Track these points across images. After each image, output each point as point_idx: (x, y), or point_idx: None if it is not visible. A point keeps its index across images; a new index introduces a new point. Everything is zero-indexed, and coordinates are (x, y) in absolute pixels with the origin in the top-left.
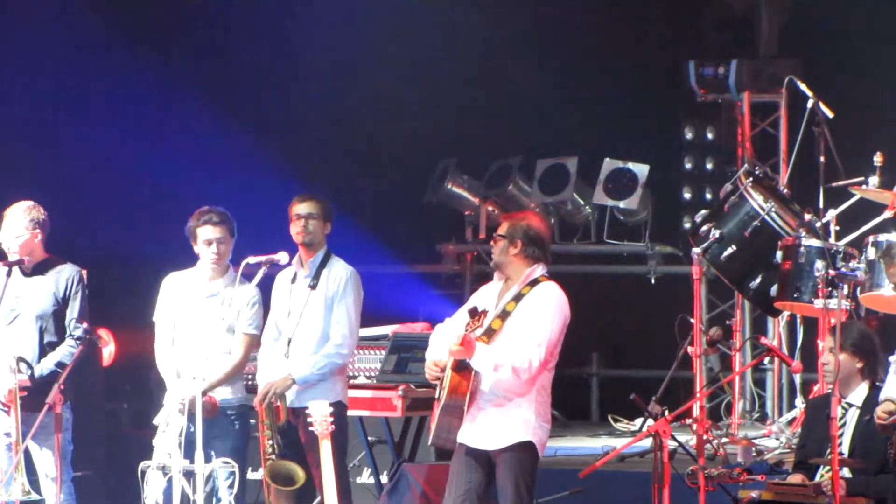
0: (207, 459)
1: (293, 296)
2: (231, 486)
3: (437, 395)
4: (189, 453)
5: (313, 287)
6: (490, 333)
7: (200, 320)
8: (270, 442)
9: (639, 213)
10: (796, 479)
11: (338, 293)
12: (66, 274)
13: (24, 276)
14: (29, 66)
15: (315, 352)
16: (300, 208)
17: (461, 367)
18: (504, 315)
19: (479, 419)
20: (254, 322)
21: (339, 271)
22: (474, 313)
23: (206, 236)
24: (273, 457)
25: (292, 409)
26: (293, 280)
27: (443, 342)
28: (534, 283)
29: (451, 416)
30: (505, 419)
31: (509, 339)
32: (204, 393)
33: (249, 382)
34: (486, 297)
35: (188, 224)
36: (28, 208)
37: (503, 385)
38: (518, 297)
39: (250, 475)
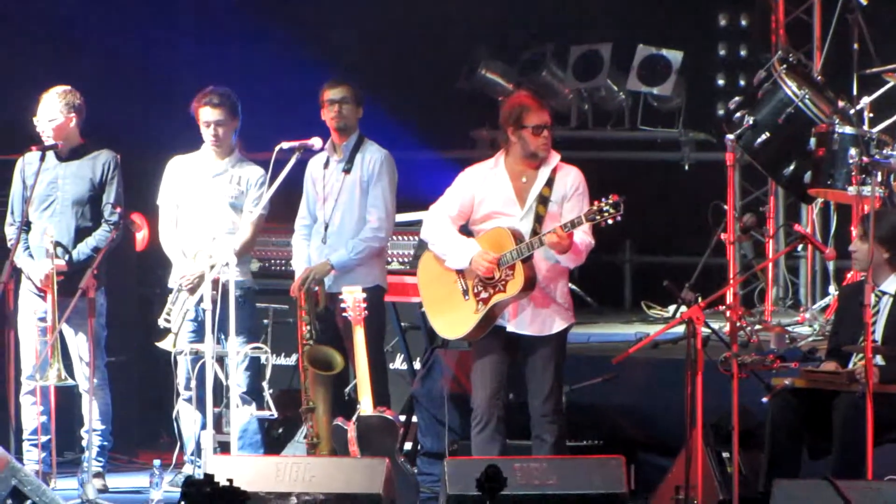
0: (217, 341)
1: (327, 181)
2: (248, 370)
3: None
4: (200, 336)
5: (347, 171)
6: (539, 220)
7: (206, 200)
8: (308, 328)
9: (672, 99)
10: (830, 366)
11: (373, 176)
12: (102, 159)
13: (59, 160)
14: None
15: (353, 236)
16: (333, 93)
17: (528, 259)
18: (544, 200)
19: (525, 306)
20: (261, 202)
21: (373, 154)
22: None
23: (205, 118)
24: (311, 342)
25: (330, 294)
26: (325, 165)
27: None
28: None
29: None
30: (549, 307)
31: (554, 221)
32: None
33: (284, 268)
34: (486, 184)
35: (192, 103)
36: (64, 93)
37: (571, 265)
38: (550, 182)
39: (281, 360)
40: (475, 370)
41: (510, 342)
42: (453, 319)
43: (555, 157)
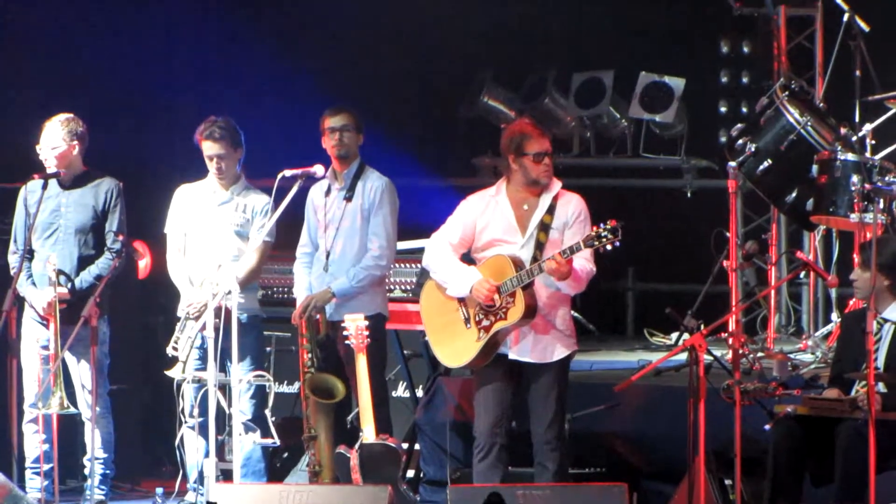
0: (222, 369)
1: (328, 209)
2: (253, 398)
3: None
4: (205, 364)
5: (349, 199)
6: (540, 247)
7: (212, 228)
8: (310, 355)
9: (675, 126)
10: (832, 393)
11: (374, 204)
12: (105, 187)
13: (62, 188)
14: None
15: (354, 264)
16: (333, 121)
17: (528, 286)
18: (545, 228)
19: (527, 333)
20: (268, 229)
21: (375, 182)
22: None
23: (208, 152)
24: (312, 370)
25: (331, 322)
26: (327, 193)
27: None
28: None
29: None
30: (550, 334)
31: (555, 248)
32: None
33: (286, 295)
34: (488, 212)
35: (195, 133)
36: (66, 120)
37: (571, 292)
38: (551, 209)
39: (283, 388)
40: (478, 398)
41: (512, 369)
42: (456, 348)
43: (556, 185)
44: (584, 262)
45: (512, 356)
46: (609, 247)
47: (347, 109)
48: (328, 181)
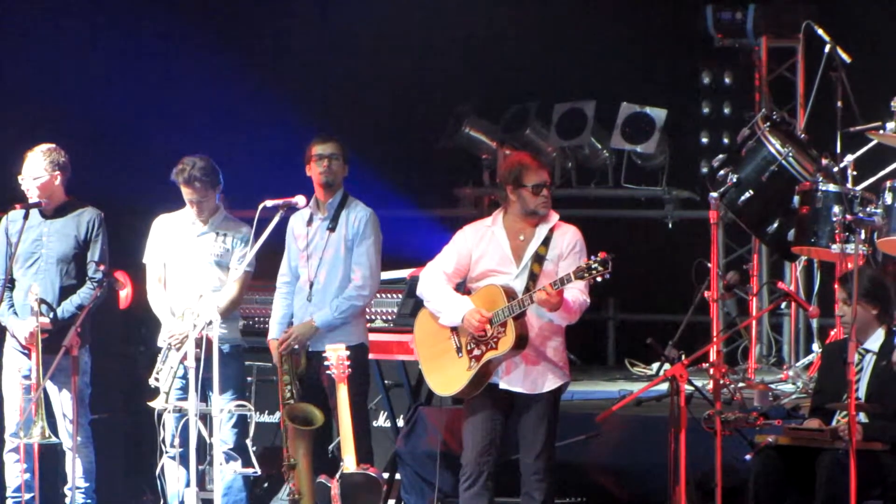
0: (203, 399)
1: (311, 238)
2: (235, 427)
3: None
4: (186, 393)
5: (332, 229)
6: (534, 278)
7: (192, 258)
8: (289, 388)
9: (656, 157)
10: (813, 423)
11: (358, 234)
12: (86, 217)
13: (44, 218)
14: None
15: (338, 294)
16: (322, 148)
17: (520, 316)
18: (539, 259)
19: (518, 363)
20: (248, 259)
21: (359, 213)
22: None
23: (188, 197)
24: (291, 401)
25: (314, 353)
26: (309, 223)
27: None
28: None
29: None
30: (541, 364)
31: (549, 279)
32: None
33: (267, 325)
34: (483, 242)
35: (172, 172)
36: (48, 150)
37: (563, 323)
38: (547, 241)
39: (264, 418)
40: (467, 426)
41: (503, 399)
42: (447, 377)
43: (554, 217)
44: (577, 294)
45: (503, 386)
46: (599, 279)
47: (335, 138)
48: (310, 210)
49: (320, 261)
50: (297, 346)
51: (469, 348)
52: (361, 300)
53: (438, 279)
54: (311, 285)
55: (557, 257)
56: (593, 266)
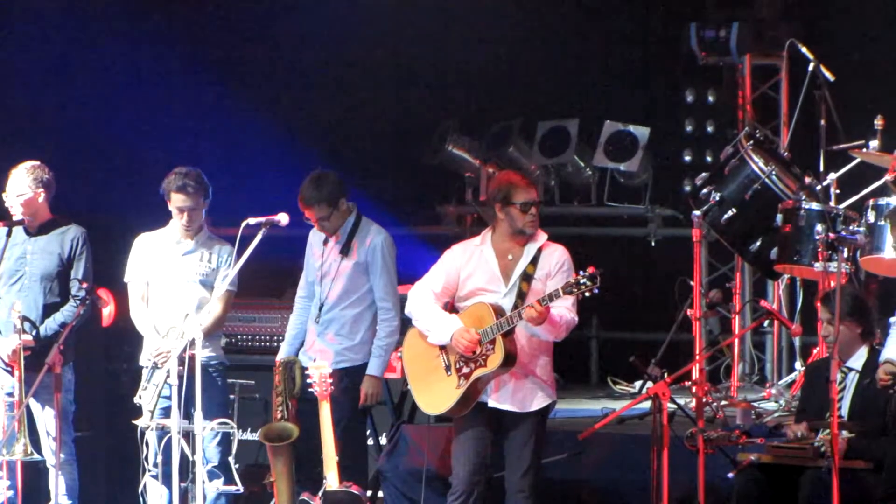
0: (187, 416)
1: (325, 258)
2: (219, 445)
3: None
4: (168, 412)
5: (344, 254)
6: (522, 297)
7: (177, 277)
8: (280, 408)
9: (639, 175)
10: (799, 427)
11: (374, 263)
12: (70, 234)
13: (28, 236)
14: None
15: (346, 319)
16: (309, 213)
17: (508, 333)
18: (527, 277)
19: (507, 381)
20: (231, 278)
21: (374, 237)
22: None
23: (178, 204)
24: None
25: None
26: (325, 242)
27: (445, 317)
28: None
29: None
30: (530, 383)
31: (537, 297)
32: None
33: (250, 343)
34: (472, 261)
35: (163, 184)
36: (32, 168)
37: (549, 338)
38: (535, 260)
39: (247, 436)
40: (456, 444)
41: (492, 417)
42: (436, 395)
43: (542, 236)
44: (563, 311)
45: (491, 404)
46: (588, 294)
47: (315, 196)
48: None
49: (332, 283)
50: (376, 402)
51: (458, 366)
52: (397, 332)
53: (427, 298)
54: (321, 307)
55: (545, 276)
56: (582, 281)
